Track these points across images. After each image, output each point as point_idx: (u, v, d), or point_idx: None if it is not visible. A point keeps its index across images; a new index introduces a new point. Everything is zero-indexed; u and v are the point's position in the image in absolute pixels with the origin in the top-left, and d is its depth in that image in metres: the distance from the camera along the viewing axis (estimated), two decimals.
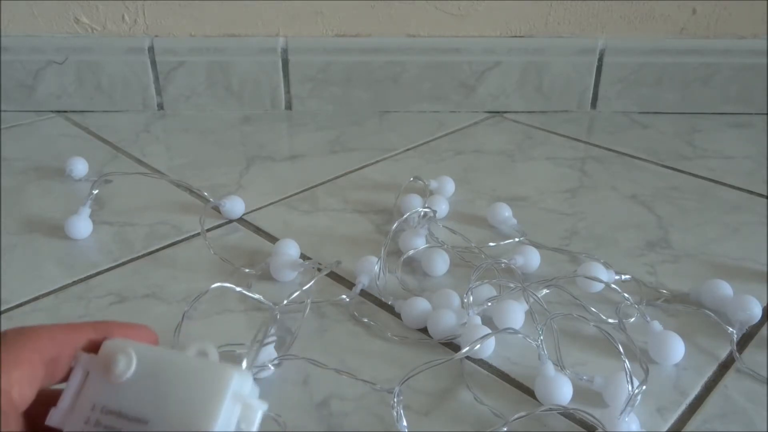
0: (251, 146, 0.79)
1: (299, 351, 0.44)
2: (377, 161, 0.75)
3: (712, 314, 0.46)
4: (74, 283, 0.52)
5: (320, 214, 0.63)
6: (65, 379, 0.25)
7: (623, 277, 0.51)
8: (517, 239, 0.57)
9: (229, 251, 0.56)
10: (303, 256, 0.55)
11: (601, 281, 0.48)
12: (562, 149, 0.77)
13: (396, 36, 0.86)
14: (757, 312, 0.46)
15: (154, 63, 0.86)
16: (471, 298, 0.46)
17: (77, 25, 0.86)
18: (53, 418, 0.24)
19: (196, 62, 0.86)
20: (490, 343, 0.43)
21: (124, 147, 0.79)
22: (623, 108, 0.88)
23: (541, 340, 0.40)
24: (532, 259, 0.52)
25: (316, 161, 0.75)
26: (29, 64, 0.86)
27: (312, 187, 0.68)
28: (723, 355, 0.44)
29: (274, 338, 0.43)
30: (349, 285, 0.51)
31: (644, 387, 0.37)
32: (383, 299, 0.49)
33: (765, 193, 0.66)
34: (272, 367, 0.41)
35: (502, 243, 0.56)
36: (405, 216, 0.54)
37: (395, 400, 0.36)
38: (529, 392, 0.41)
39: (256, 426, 0.23)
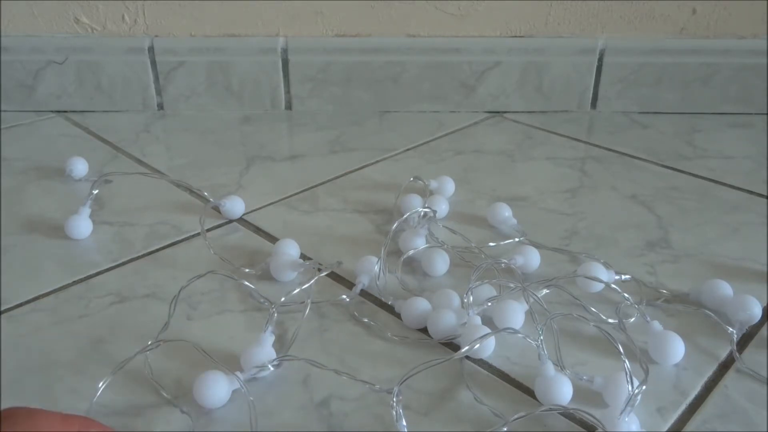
0: (251, 146, 0.79)
1: (299, 351, 0.44)
2: (377, 161, 0.75)
3: (712, 314, 0.46)
4: (74, 283, 0.52)
5: (320, 214, 0.63)
6: None
7: (623, 277, 0.51)
8: (517, 239, 0.57)
9: (229, 251, 0.56)
10: (303, 256, 0.55)
11: (601, 281, 0.48)
12: (562, 149, 0.77)
13: (396, 36, 0.86)
14: (757, 312, 0.46)
15: (154, 63, 0.86)
16: (471, 298, 0.46)
17: (77, 25, 0.86)
18: None
19: (196, 62, 0.86)
20: (490, 343, 0.43)
21: (124, 147, 0.79)
22: (623, 108, 0.88)
23: (541, 340, 0.40)
24: (532, 259, 0.52)
25: (316, 161, 0.75)
26: (29, 64, 0.86)
27: (312, 187, 0.68)
28: (723, 355, 0.44)
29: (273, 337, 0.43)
30: (349, 285, 0.51)
31: (644, 387, 0.37)
32: (383, 299, 0.49)
33: (765, 193, 0.66)
34: (272, 367, 0.41)
35: (502, 243, 0.56)
36: (405, 216, 0.54)
37: (395, 400, 0.36)
38: (529, 392, 0.41)
39: None
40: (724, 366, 0.43)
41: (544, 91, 0.87)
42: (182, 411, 0.39)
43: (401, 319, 0.47)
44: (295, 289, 0.45)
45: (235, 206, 0.61)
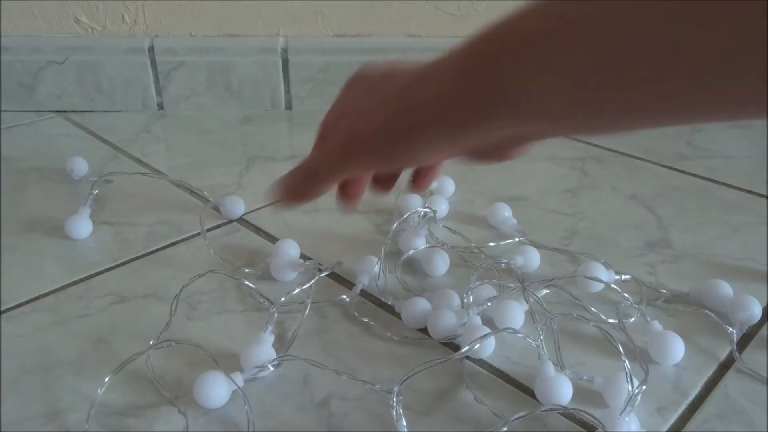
0: (251, 146, 0.79)
1: (299, 351, 0.44)
2: None
3: (712, 314, 0.46)
4: (74, 283, 0.52)
5: (320, 214, 0.63)
6: None
7: (623, 277, 0.51)
8: (517, 239, 0.57)
9: (229, 251, 0.56)
10: (303, 256, 0.55)
11: (601, 281, 0.48)
12: (562, 149, 0.77)
13: (396, 36, 0.86)
14: (757, 312, 0.46)
15: (154, 63, 0.86)
16: (471, 298, 0.46)
17: (77, 25, 0.86)
18: None
19: (196, 62, 0.86)
20: (490, 343, 0.43)
21: (124, 147, 0.79)
22: None
23: (541, 340, 0.40)
24: (532, 259, 0.52)
25: None
26: (29, 64, 0.86)
27: None
28: (723, 355, 0.44)
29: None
30: (349, 285, 0.51)
31: (644, 387, 0.37)
32: (383, 299, 0.49)
33: (765, 193, 0.66)
34: (272, 367, 0.41)
35: (502, 243, 0.56)
36: (405, 216, 0.54)
37: (395, 400, 0.36)
38: (529, 392, 0.41)
39: None
40: (724, 366, 0.43)
41: None
42: (179, 411, 0.39)
43: (401, 319, 0.47)
44: (295, 289, 0.45)
45: (235, 206, 0.61)
